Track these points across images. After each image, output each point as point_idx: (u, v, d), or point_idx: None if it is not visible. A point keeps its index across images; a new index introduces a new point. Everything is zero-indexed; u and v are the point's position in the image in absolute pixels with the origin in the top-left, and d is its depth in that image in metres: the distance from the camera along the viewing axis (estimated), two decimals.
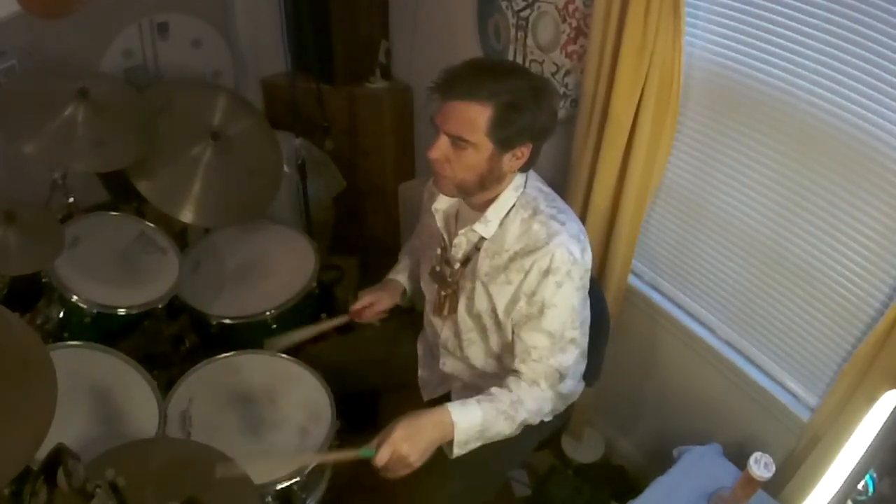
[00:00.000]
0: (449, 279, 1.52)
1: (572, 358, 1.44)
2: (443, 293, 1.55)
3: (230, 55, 2.75)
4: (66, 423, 1.36)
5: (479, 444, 1.39)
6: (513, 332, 1.47)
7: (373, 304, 1.72)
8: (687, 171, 1.75)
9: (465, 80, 1.30)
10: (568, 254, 1.36)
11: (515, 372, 1.45)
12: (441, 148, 1.34)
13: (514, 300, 1.42)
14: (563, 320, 1.40)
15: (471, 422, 1.35)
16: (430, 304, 1.62)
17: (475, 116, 1.29)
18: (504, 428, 1.40)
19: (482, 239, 1.45)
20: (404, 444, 1.28)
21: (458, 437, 1.34)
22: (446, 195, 1.47)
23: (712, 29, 1.57)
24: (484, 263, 1.45)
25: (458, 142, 1.32)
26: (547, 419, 1.50)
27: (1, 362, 1.10)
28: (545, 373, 1.42)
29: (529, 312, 1.41)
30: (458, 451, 1.36)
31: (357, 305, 1.72)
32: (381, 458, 1.28)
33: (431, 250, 1.60)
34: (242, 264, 2.06)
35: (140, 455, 1.27)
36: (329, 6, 2.46)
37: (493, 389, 1.41)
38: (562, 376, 1.43)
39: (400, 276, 1.79)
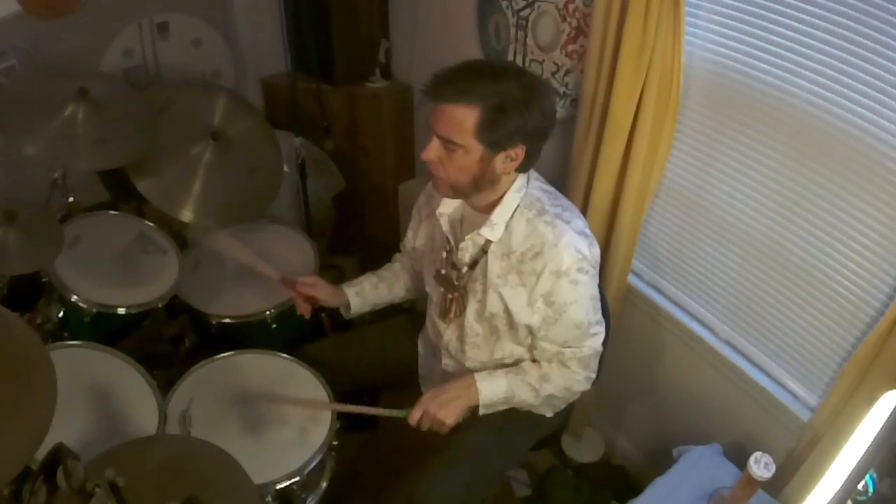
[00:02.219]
0: (456, 283, 1.52)
1: (601, 339, 1.51)
2: (449, 297, 1.55)
3: (230, 55, 2.75)
4: (66, 423, 1.36)
5: (505, 407, 1.53)
6: (533, 337, 1.50)
7: (313, 287, 1.70)
8: (687, 171, 1.75)
9: (453, 83, 1.30)
10: (576, 252, 1.38)
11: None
12: (433, 149, 1.36)
13: (530, 303, 1.44)
14: (587, 309, 1.45)
15: (494, 390, 1.49)
16: (436, 307, 1.62)
17: (463, 118, 1.30)
18: (529, 398, 1.51)
19: (489, 242, 1.45)
20: (432, 403, 1.45)
21: (483, 401, 1.49)
22: (442, 196, 1.47)
23: (712, 29, 1.57)
24: (495, 266, 1.45)
25: (448, 144, 1.33)
26: (572, 398, 1.58)
27: (1, 362, 1.10)
28: (579, 359, 1.48)
29: (549, 314, 1.44)
30: (483, 411, 1.52)
31: (304, 279, 1.71)
32: (414, 417, 1.46)
33: (435, 253, 1.60)
34: (242, 264, 2.06)
35: (140, 454, 1.26)
36: (329, 6, 2.46)
37: (525, 364, 1.54)
38: (594, 358, 1.51)
39: (352, 289, 1.75)
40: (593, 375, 1.53)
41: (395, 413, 1.48)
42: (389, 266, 1.84)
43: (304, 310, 1.73)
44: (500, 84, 1.30)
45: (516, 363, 1.56)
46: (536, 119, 1.33)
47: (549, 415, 1.61)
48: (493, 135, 1.31)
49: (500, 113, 1.29)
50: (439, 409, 1.44)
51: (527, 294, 1.43)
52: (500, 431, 1.59)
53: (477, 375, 1.50)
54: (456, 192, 1.43)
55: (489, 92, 1.29)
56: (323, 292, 1.71)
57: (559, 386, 1.50)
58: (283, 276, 1.74)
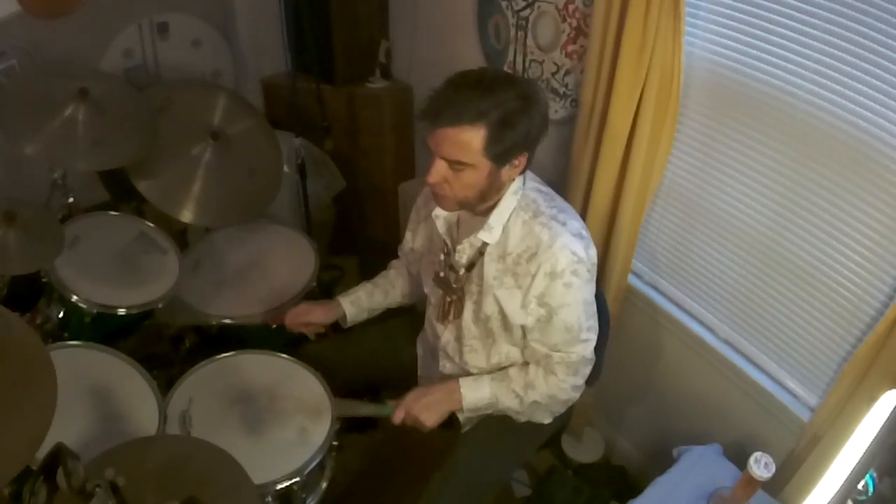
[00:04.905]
0: (454, 285, 1.53)
1: (591, 346, 1.49)
2: (448, 299, 1.55)
3: (230, 55, 2.76)
4: (66, 423, 1.36)
5: (490, 411, 1.55)
6: (526, 338, 1.49)
7: (304, 314, 1.73)
8: (687, 171, 1.75)
9: (451, 105, 1.28)
10: (572, 254, 1.38)
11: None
12: (440, 172, 1.34)
13: (524, 304, 1.44)
14: (578, 314, 1.43)
15: (478, 396, 1.51)
16: (434, 308, 1.62)
17: (469, 139, 1.29)
18: (513, 405, 1.52)
19: (485, 244, 1.45)
20: (415, 404, 1.47)
21: (466, 406, 1.51)
22: (449, 211, 1.47)
23: (712, 29, 1.57)
24: (490, 268, 1.45)
25: (455, 165, 1.32)
26: (559, 410, 1.58)
27: (1, 362, 1.10)
28: (567, 364, 1.47)
29: (542, 315, 1.43)
30: (467, 415, 1.55)
31: (292, 311, 1.73)
32: (397, 417, 1.48)
33: (433, 255, 1.60)
34: (242, 264, 2.06)
35: (140, 454, 1.27)
36: (329, 6, 2.46)
37: (511, 370, 1.53)
38: (583, 364, 1.50)
39: (347, 299, 1.77)
40: (581, 382, 1.52)
41: (381, 411, 1.51)
42: (384, 273, 1.84)
43: (311, 332, 1.76)
44: (498, 96, 1.28)
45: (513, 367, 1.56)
46: (537, 125, 1.34)
47: (548, 421, 1.61)
48: (500, 148, 1.31)
49: (504, 127, 1.29)
50: (421, 411, 1.47)
51: (521, 295, 1.43)
52: (500, 442, 1.59)
53: (462, 381, 1.51)
54: (463, 207, 1.43)
55: (489, 106, 1.27)
56: (315, 315, 1.73)
57: (543, 394, 1.49)
58: (266, 314, 1.77)
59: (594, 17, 1.66)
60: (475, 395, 1.50)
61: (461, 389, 1.50)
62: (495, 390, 1.50)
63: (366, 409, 1.56)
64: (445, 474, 1.54)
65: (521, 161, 1.37)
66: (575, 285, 1.40)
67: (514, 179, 1.42)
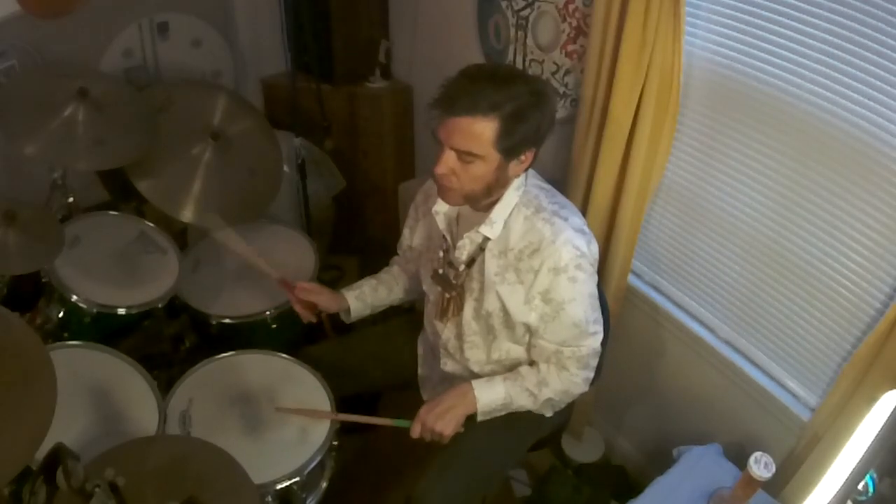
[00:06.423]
0: (453, 281, 1.53)
1: (600, 338, 1.50)
2: (447, 295, 1.55)
3: (230, 55, 2.75)
4: (66, 423, 1.36)
5: (504, 412, 1.54)
6: (532, 335, 1.50)
7: (313, 292, 1.70)
8: (687, 171, 1.75)
9: (466, 94, 1.28)
10: (575, 249, 1.38)
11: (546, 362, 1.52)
12: (448, 163, 1.34)
13: (527, 300, 1.44)
14: (585, 308, 1.44)
15: (492, 397, 1.50)
16: (433, 306, 1.62)
17: (482, 130, 1.29)
18: (527, 403, 1.52)
19: (486, 239, 1.45)
20: (429, 415, 1.46)
21: (481, 408, 1.50)
22: (453, 205, 1.47)
23: (712, 29, 1.57)
24: (492, 264, 1.46)
25: (465, 156, 1.32)
26: (567, 399, 1.58)
27: (1, 362, 1.10)
28: (577, 358, 1.48)
29: (547, 312, 1.44)
30: (481, 417, 1.52)
31: (304, 285, 1.70)
32: (414, 431, 1.47)
33: (432, 252, 1.60)
34: (242, 264, 2.06)
35: (139, 454, 1.26)
36: (329, 6, 2.46)
37: (522, 368, 1.53)
38: (593, 357, 1.51)
39: (352, 293, 1.75)
40: (591, 375, 1.53)
41: (398, 423, 1.49)
42: (388, 269, 1.84)
43: (306, 316, 1.73)
44: (512, 89, 1.29)
45: (514, 363, 1.56)
46: (547, 122, 1.35)
47: (549, 414, 1.61)
48: (510, 142, 1.31)
49: (516, 120, 1.29)
50: (436, 421, 1.45)
51: (524, 291, 1.44)
52: (499, 431, 1.58)
53: (474, 382, 1.50)
54: (468, 201, 1.43)
55: (503, 99, 1.28)
56: (323, 298, 1.71)
57: (557, 390, 1.50)
58: (283, 277, 1.74)
59: (594, 16, 1.66)
60: (489, 395, 1.50)
61: (474, 391, 1.49)
62: (509, 390, 1.50)
63: (380, 420, 1.55)
64: (443, 462, 1.54)
65: (527, 157, 1.37)
66: (579, 279, 1.40)
67: (518, 176, 1.42)
